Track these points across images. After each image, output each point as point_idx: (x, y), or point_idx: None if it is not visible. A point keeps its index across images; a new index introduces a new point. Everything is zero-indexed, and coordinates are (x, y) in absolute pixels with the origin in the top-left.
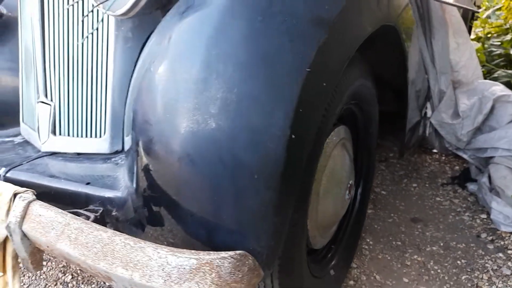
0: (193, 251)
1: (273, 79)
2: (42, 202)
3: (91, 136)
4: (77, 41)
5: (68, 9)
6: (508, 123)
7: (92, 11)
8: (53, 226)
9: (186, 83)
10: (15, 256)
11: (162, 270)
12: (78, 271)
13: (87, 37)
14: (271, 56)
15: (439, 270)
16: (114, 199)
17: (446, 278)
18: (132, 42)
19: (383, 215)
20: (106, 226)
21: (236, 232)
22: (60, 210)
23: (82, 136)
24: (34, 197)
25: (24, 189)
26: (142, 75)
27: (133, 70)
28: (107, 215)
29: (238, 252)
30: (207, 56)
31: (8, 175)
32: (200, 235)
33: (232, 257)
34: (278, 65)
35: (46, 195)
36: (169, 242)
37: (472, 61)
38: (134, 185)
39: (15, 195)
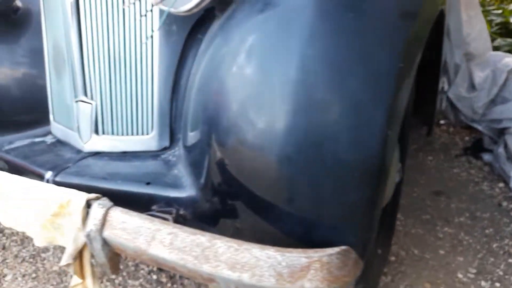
0: (299, 249)
1: (370, 77)
2: (121, 208)
3: (137, 134)
4: (119, 36)
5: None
6: None
7: (149, 10)
8: (141, 232)
9: (282, 84)
10: (93, 262)
11: (273, 270)
12: (121, 267)
13: (151, 35)
14: (367, 53)
15: (470, 240)
16: (182, 198)
17: (478, 247)
18: (176, 35)
19: (407, 190)
20: None
21: (335, 228)
22: (144, 215)
23: (127, 134)
24: (112, 203)
25: (96, 195)
26: (216, 74)
27: (178, 65)
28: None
29: (342, 247)
30: (302, 57)
31: (57, 179)
32: (295, 232)
33: (339, 253)
34: (374, 62)
35: None
36: (248, 239)
37: (483, 33)
38: (204, 182)
39: (88, 201)
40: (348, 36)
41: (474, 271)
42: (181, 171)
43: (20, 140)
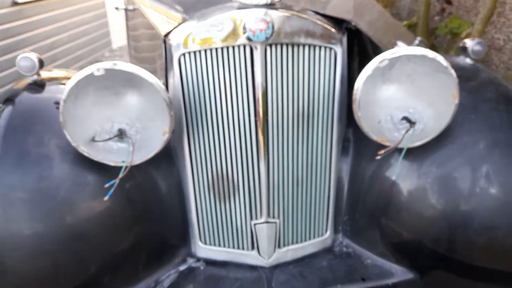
0: None
1: None
2: None
3: (314, 238)
4: (303, 161)
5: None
6: None
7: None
8: None
9: None
10: None
11: None
12: None
13: (396, 172)
14: None
15: None
16: (400, 283)
17: None
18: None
19: None
20: None
21: None
22: None
23: (305, 241)
24: None
25: None
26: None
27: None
28: None
29: None
30: None
31: None
32: None
33: None
34: None
35: None
36: None
37: None
38: (420, 265)
39: None
40: None
41: None
42: (373, 259)
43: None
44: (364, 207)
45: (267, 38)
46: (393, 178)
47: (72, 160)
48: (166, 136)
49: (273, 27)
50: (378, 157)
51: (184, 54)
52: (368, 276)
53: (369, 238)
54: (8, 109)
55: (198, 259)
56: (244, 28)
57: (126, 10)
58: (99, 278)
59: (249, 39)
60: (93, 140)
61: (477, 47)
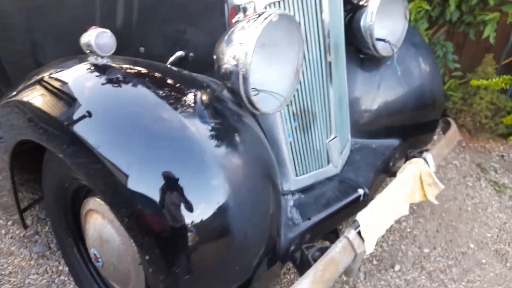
0: None
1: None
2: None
3: (347, 142)
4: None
5: None
6: None
7: None
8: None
9: None
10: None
11: None
12: None
13: None
14: None
15: None
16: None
17: None
18: None
19: None
20: None
21: None
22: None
23: (346, 146)
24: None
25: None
26: None
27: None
28: None
29: None
30: None
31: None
32: None
33: None
34: None
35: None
36: None
37: None
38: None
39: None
40: None
41: None
42: (375, 142)
43: None
44: (360, 111)
45: None
46: (377, 82)
47: (239, 119)
48: (300, 74)
49: None
50: (389, 62)
51: None
52: (382, 152)
53: (367, 130)
54: (134, 91)
55: (293, 193)
56: None
57: None
58: (277, 227)
59: None
60: None
61: None
